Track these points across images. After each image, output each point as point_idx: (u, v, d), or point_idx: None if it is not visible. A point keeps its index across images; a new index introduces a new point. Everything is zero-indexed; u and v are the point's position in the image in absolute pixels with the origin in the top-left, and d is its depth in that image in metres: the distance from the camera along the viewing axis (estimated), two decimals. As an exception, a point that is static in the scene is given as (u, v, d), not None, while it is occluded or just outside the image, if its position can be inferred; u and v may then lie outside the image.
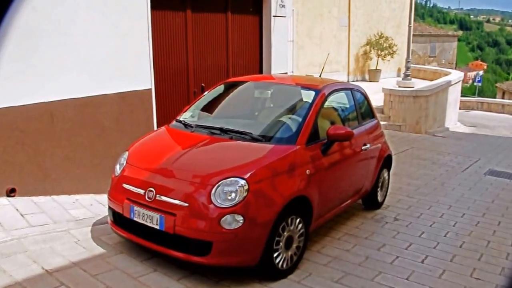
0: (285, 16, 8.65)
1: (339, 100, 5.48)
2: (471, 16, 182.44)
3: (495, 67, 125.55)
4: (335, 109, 5.45)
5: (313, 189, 4.25)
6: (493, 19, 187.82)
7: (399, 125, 12.76)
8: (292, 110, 4.97)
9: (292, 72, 15.98)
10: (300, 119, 4.58)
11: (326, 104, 5.03)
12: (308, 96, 4.95)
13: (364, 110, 5.90)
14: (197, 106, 5.31)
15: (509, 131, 17.14)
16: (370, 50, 19.72)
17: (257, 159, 4.02)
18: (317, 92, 4.90)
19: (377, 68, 19.77)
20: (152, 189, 3.86)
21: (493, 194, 7.53)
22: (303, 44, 16.69)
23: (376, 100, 13.89)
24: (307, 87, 5.15)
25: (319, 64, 16.60)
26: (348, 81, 19.03)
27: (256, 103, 5.44)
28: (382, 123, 12.64)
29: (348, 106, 5.61)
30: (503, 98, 44.81)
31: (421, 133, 12.90)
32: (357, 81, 19.55)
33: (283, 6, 8.44)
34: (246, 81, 5.61)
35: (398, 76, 20.66)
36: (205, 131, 4.57)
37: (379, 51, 19.62)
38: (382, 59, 19.79)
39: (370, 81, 19.57)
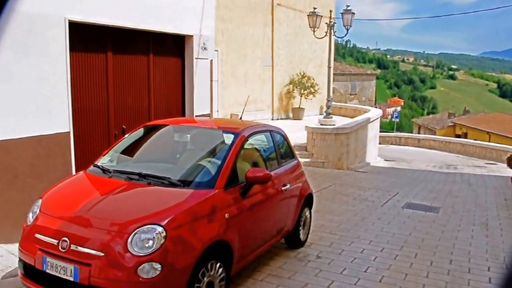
0: (207, 58, 8.77)
1: (259, 142, 5.56)
2: (388, 56, 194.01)
3: (411, 103, 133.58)
4: (255, 151, 5.52)
5: (233, 232, 4.24)
6: (407, 59, 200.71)
7: (322, 161, 13.11)
8: (211, 153, 4.99)
9: (218, 111, 16.13)
10: (219, 162, 4.60)
11: (246, 146, 5.09)
12: (227, 139, 5.00)
13: (284, 151, 6.02)
14: (116, 149, 5.21)
15: (425, 164, 18.12)
16: (293, 89, 20.35)
17: (175, 205, 3.98)
18: (236, 134, 4.97)
19: (301, 107, 20.39)
20: (66, 238, 3.70)
21: (411, 226, 7.86)
22: (228, 84, 16.95)
23: (300, 137, 14.29)
24: (226, 130, 5.21)
25: (244, 103, 16.82)
26: (272, 119, 19.46)
27: (175, 147, 5.43)
28: (305, 160, 13.03)
29: (268, 147, 5.70)
30: (419, 132, 47.57)
31: (343, 169, 13.32)
32: (281, 119, 20.04)
33: (205, 48, 8.56)
34: (166, 125, 5.58)
35: (321, 113, 21.39)
36: (123, 177, 4.47)
37: (302, 90, 20.28)
38: (305, 98, 20.46)
39: (294, 119, 20.12)
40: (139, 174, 4.43)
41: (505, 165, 14.05)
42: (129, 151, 5.22)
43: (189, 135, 5.44)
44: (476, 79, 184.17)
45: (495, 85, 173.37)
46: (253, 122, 6.07)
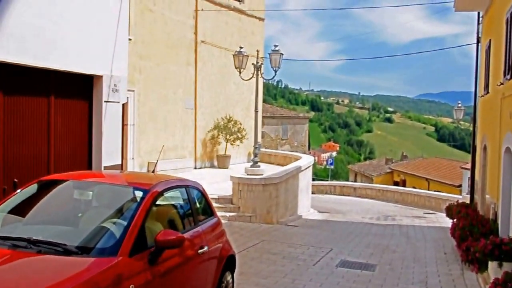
0: (118, 102, 8.63)
1: (173, 199, 5.46)
2: (322, 98, 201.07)
3: (347, 148, 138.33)
4: (169, 209, 5.40)
5: (140, 307, 4.05)
6: (342, 101, 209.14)
7: (249, 215, 13.10)
8: (117, 213, 4.80)
9: (133, 159, 15.84)
10: (125, 224, 4.44)
11: (158, 204, 4.97)
12: (136, 196, 4.86)
13: (202, 208, 5.94)
14: (4, 208, 4.90)
15: (361, 215, 18.58)
16: (219, 135, 20.43)
17: (69, 278, 3.74)
18: (146, 191, 4.84)
19: (226, 154, 20.47)
20: None
21: (345, 288, 7.92)
22: (145, 128, 16.75)
23: (225, 189, 14.26)
24: (135, 186, 5.08)
25: (163, 150, 16.72)
26: (195, 167, 19.35)
27: (76, 206, 5.19)
28: (231, 214, 12.98)
29: (183, 205, 5.60)
30: (355, 179, 49.04)
31: (273, 223, 13.36)
32: (205, 167, 19.98)
33: (116, 90, 8.44)
34: (65, 180, 5.35)
35: (249, 161, 21.54)
36: (7, 244, 4.17)
37: (228, 136, 20.41)
38: (231, 144, 20.58)
39: (219, 168, 20.13)
40: (28, 240, 4.15)
41: (444, 214, 14.65)
42: (20, 210, 4.92)
43: (91, 192, 5.24)
44: (413, 122, 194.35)
45: (432, 128, 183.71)
46: (167, 176, 5.96)
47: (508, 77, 8.95)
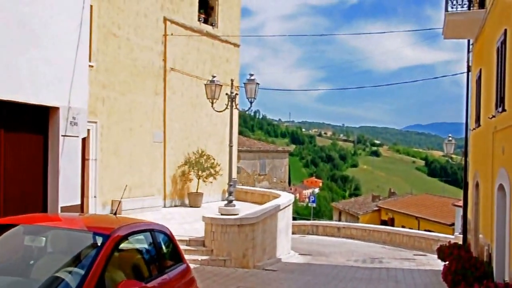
0: (77, 136, 8.55)
1: (137, 244, 5.41)
2: (303, 129, 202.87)
3: (330, 184, 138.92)
4: (132, 256, 5.34)
5: None
6: (325, 133, 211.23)
7: (224, 259, 12.96)
8: (73, 261, 4.71)
9: (95, 197, 15.65)
10: (82, 273, 4.36)
11: (120, 250, 4.91)
12: (96, 242, 4.79)
13: (169, 254, 5.88)
14: None
15: (345, 258, 18.53)
16: (190, 170, 20.32)
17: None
18: (107, 237, 4.77)
19: (198, 191, 20.33)
20: None
21: None
22: (109, 163, 16.61)
23: (197, 230, 14.14)
24: (95, 231, 5.00)
25: (129, 188, 16.58)
26: (164, 206, 19.18)
27: (27, 254, 5.08)
28: (203, 258, 12.84)
29: (149, 250, 5.53)
30: (339, 218, 49.09)
31: (249, 267, 13.23)
32: (175, 206, 19.81)
33: (75, 123, 8.37)
34: (15, 224, 5.25)
35: (224, 199, 21.45)
36: None
37: (200, 172, 20.32)
38: (204, 181, 20.47)
39: (191, 206, 19.97)
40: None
41: (436, 256, 14.71)
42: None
43: (44, 238, 5.14)
44: (402, 156, 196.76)
45: (422, 162, 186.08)
46: (130, 219, 5.90)
47: (500, 109, 9.10)
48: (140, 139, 18.27)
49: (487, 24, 11.42)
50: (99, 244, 4.72)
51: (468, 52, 14.60)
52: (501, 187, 9.04)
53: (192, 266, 11.28)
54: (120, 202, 6.70)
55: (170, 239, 6.04)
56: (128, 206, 16.46)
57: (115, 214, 6.19)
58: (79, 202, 8.53)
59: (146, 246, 5.54)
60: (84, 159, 15.22)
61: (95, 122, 15.89)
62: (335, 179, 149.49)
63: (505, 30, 8.94)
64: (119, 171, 17.08)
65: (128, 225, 5.31)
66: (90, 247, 4.80)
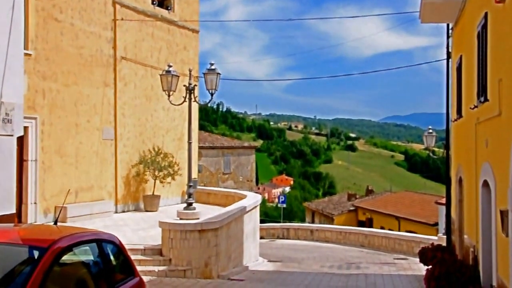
0: (12, 135, 8.33)
1: (81, 257, 5.32)
2: (271, 123, 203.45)
3: (302, 182, 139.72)
4: (76, 271, 5.25)
5: None
6: (296, 126, 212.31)
7: (184, 269, 12.86)
8: (5, 280, 4.60)
9: (35, 203, 15.40)
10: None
11: (61, 264, 4.82)
12: (32, 256, 4.68)
13: (119, 267, 5.79)
14: None
15: (319, 264, 18.61)
16: (145, 170, 20.15)
17: None
18: (44, 250, 4.66)
19: (155, 193, 20.19)
20: None
21: None
22: (51, 164, 16.34)
23: (153, 237, 14.02)
24: (30, 244, 4.90)
25: (75, 192, 16.32)
26: (116, 211, 18.97)
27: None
28: (160, 268, 12.72)
29: (95, 264, 5.44)
30: (312, 220, 49.41)
31: (212, 277, 13.17)
32: (128, 211, 19.64)
33: (8, 120, 8.15)
34: None
35: (184, 202, 21.33)
36: None
37: (157, 172, 20.17)
38: (161, 182, 20.33)
39: (147, 211, 19.83)
40: None
41: (418, 259, 14.85)
42: None
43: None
44: (380, 150, 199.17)
45: (402, 157, 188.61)
46: (74, 229, 5.78)
47: (482, 99, 9.16)
48: (88, 136, 18.01)
49: (467, 7, 11.52)
50: (35, 259, 4.60)
51: (448, 37, 14.74)
52: (485, 183, 9.11)
53: (148, 278, 11.19)
54: (63, 208, 6.56)
55: (120, 249, 5.94)
56: (74, 213, 16.21)
57: (55, 223, 6.04)
58: (14, 211, 8.31)
59: (92, 258, 5.45)
60: (21, 161, 14.94)
61: (35, 118, 15.61)
62: (307, 176, 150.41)
63: (486, 13, 8.99)
64: (64, 173, 16.81)
65: (71, 236, 5.20)
66: (25, 263, 4.70)
